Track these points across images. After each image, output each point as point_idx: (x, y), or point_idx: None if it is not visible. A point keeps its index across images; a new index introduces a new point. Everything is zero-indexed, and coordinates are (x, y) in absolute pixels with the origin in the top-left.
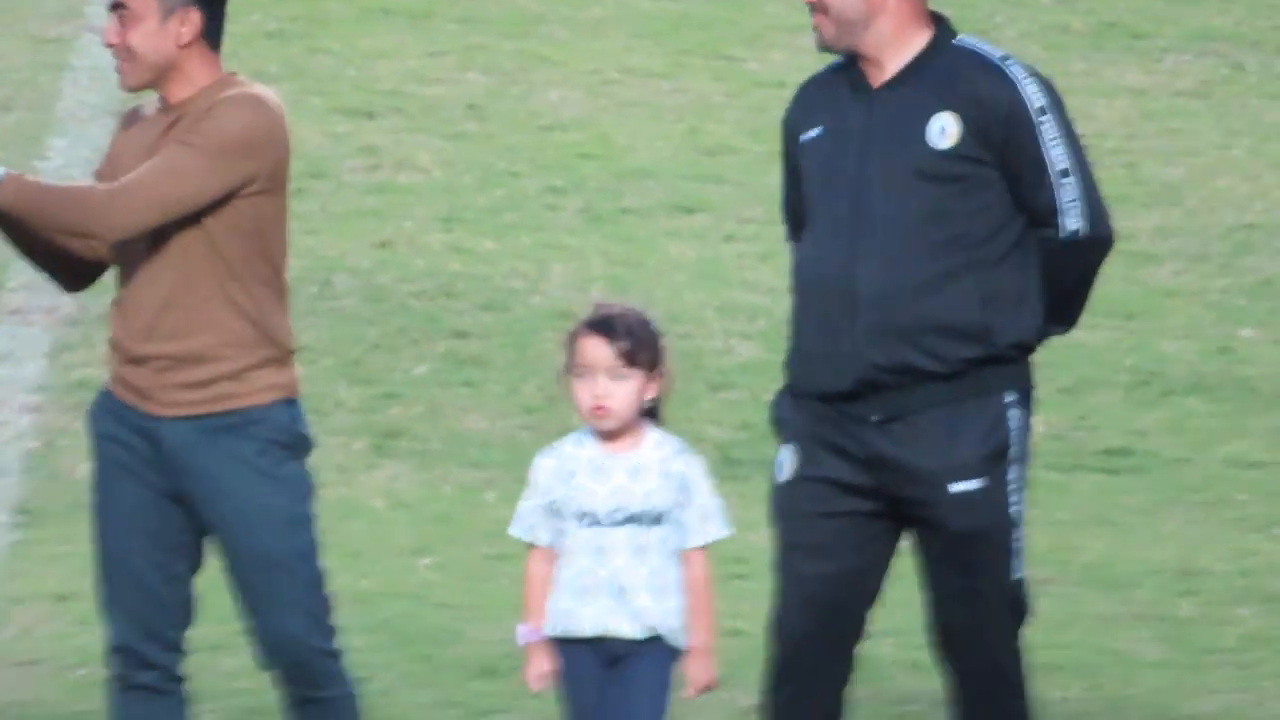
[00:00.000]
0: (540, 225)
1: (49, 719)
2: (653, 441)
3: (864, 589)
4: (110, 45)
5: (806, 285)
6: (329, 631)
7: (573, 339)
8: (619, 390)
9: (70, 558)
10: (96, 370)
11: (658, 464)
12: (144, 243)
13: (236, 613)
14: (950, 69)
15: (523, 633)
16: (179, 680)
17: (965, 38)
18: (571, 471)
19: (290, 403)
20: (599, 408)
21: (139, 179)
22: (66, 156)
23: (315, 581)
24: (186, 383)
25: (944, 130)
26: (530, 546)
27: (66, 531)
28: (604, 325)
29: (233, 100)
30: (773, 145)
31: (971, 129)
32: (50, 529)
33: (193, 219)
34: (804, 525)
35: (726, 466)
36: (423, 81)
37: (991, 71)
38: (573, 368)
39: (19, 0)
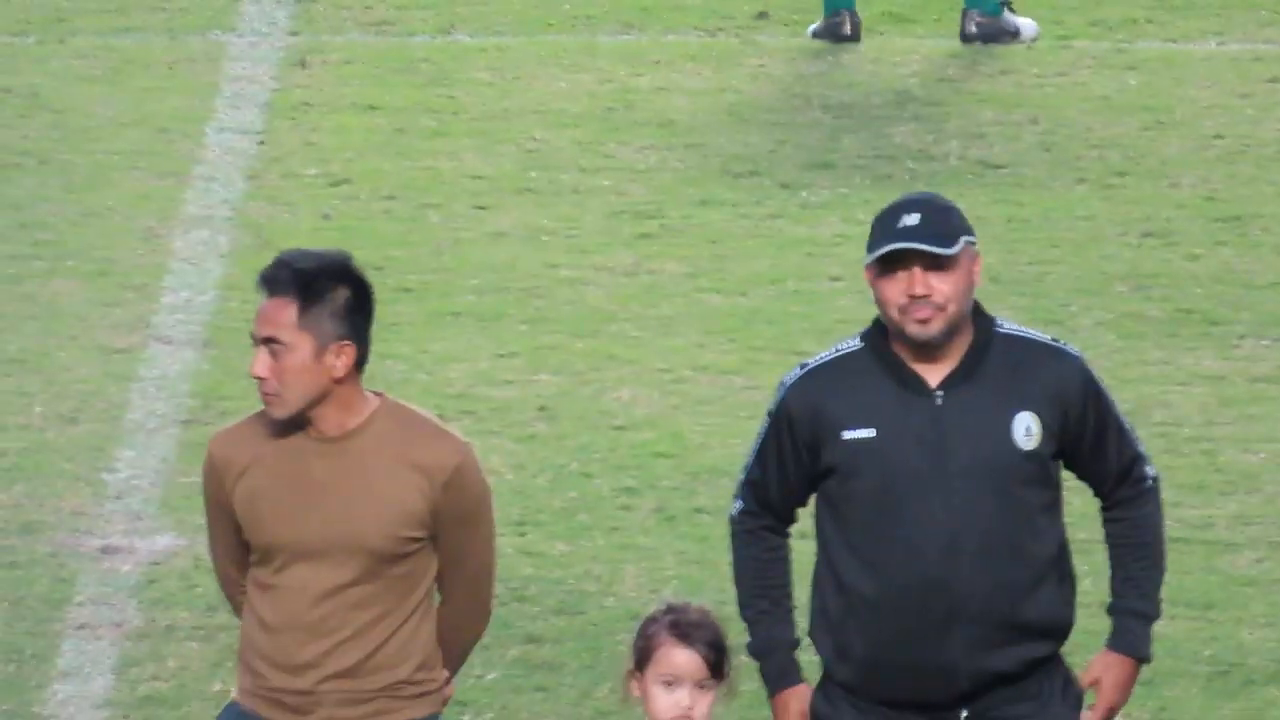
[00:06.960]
0: (613, 526)
1: None
2: None
3: None
4: (259, 378)
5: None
6: None
7: (654, 644)
8: (703, 701)
9: None
10: (164, 684)
11: None
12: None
13: None
14: None
15: None
16: None
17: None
18: None
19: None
20: (684, 718)
21: (490, 575)
22: (134, 468)
23: None
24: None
25: None
26: None
27: None
28: (691, 635)
29: (474, 463)
30: None
31: None
32: None
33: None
34: None
35: None
36: (493, 383)
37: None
38: (654, 674)
39: (87, 311)
